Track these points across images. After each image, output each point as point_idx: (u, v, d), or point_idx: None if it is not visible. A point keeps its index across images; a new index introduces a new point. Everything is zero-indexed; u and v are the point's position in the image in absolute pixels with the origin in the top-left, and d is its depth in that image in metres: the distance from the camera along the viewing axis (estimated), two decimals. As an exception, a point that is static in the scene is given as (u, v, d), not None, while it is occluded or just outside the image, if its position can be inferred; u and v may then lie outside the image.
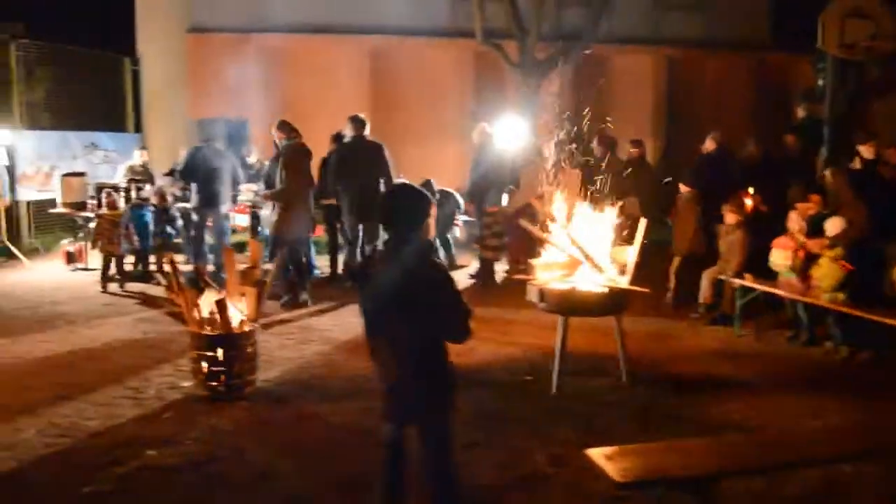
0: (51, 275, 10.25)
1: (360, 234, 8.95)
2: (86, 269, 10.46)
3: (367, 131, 8.95)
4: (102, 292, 9.06)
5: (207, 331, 5.10)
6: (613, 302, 5.29)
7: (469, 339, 3.01)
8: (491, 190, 9.65)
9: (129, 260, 10.11)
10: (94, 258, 10.65)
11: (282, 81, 14.81)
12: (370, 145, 8.89)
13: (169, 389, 5.42)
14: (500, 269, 9.66)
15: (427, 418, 3.16)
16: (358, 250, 8.97)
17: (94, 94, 14.26)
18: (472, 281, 9.47)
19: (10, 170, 11.85)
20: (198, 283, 5.21)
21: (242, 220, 10.94)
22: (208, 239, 9.92)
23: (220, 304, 5.00)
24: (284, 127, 8.78)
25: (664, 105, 16.88)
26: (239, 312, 5.18)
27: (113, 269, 9.37)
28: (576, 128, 10.43)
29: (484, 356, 6.02)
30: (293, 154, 8.49)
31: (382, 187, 8.43)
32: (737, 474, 3.41)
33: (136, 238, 9.49)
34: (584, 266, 5.34)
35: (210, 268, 9.78)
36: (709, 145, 9.01)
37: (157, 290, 8.93)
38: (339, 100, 14.22)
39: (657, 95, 16.87)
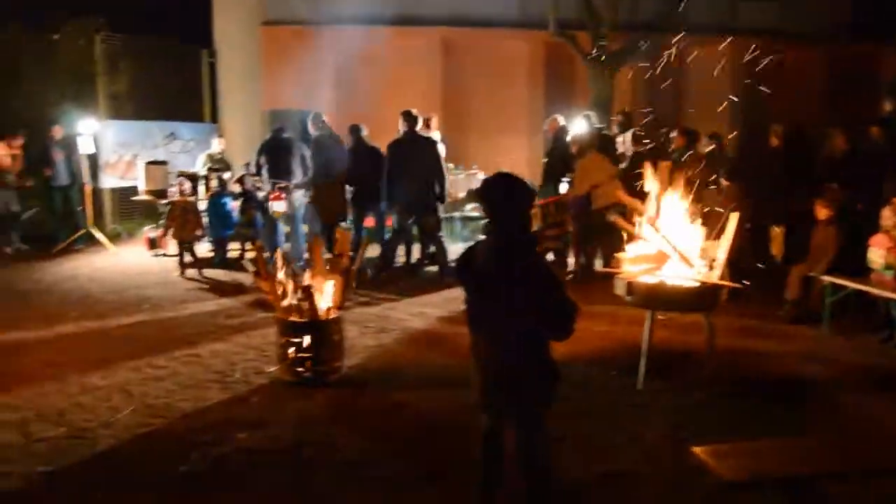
0: (134, 260, 10.57)
1: (409, 227, 9.15)
2: (166, 255, 10.73)
3: (418, 126, 9.18)
4: (180, 276, 9.32)
5: (294, 317, 5.16)
6: (703, 297, 5.17)
7: (569, 336, 2.97)
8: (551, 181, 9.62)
9: (208, 247, 10.40)
10: (175, 244, 10.95)
11: (353, 73, 14.92)
12: (422, 141, 9.08)
13: (255, 374, 5.51)
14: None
15: (526, 411, 3.14)
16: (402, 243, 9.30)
17: (173, 85, 14.61)
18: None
19: (95, 158, 12.22)
20: (283, 268, 5.27)
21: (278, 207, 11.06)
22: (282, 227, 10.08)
23: (308, 291, 5.06)
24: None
25: (741, 97, 16.42)
26: (325, 300, 5.23)
27: (189, 256, 9.63)
28: (653, 120, 10.29)
29: (564, 350, 5.93)
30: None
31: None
32: (848, 475, 3.28)
33: (211, 225, 9.72)
34: (673, 260, 5.23)
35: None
36: (773, 140, 8.79)
37: (238, 276, 9.13)
38: (409, 91, 14.27)
39: (733, 87, 16.43)
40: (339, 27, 14.90)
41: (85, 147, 11.38)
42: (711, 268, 5.23)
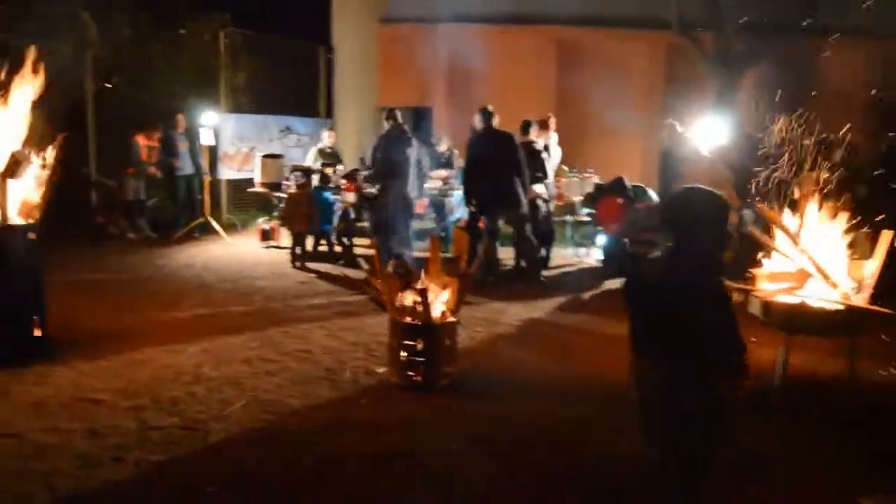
0: (247, 250, 10.78)
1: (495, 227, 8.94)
2: (278, 247, 10.92)
3: (495, 122, 8.93)
4: (293, 268, 9.44)
5: (408, 320, 5.04)
6: (849, 322, 4.73)
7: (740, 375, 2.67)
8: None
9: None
10: (286, 237, 11.12)
11: (466, 71, 14.81)
12: (501, 136, 8.87)
13: (364, 374, 5.42)
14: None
15: (691, 445, 2.82)
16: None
17: (291, 80, 14.87)
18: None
19: (214, 150, 12.57)
20: (399, 269, 5.15)
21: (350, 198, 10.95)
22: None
23: (423, 294, 4.92)
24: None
25: (880, 104, 15.37)
26: (440, 303, 5.09)
27: (301, 249, 9.76)
28: (781, 127, 9.68)
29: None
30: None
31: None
32: None
33: (316, 218, 9.80)
34: (816, 279, 4.81)
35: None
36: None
37: (348, 272, 9.14)
38: (523, 90, 14.06)
39: (867, 90, 15.39)
40: (454, 25, 14.83)
41: (206, 139, 11.72)
42: (860, 290, 4.79)
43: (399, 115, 9.59)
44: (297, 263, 9.62)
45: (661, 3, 13.55)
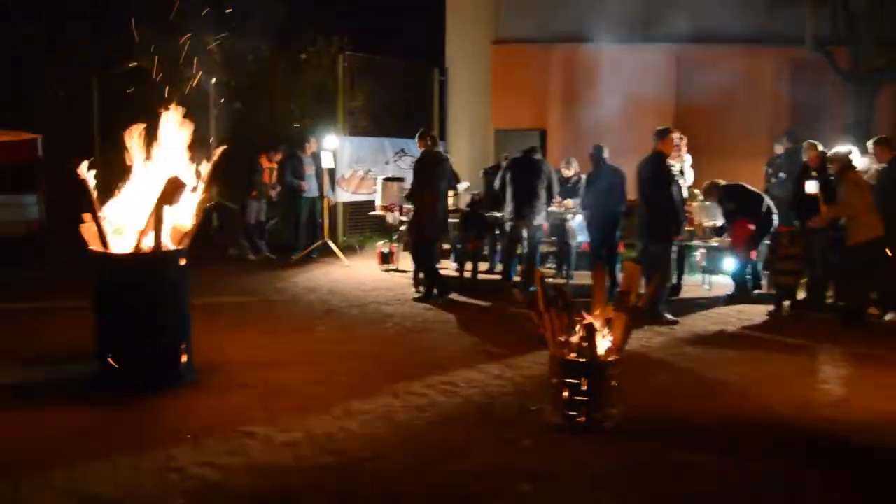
0: (366, 273, 10.70)
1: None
2: (397, 271, 10.78)
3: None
4: (417, 292, 9.26)
5: (571, 356, 4.72)
6: None
7: None
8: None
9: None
10: (405, 260, 11.02)
11: (583, 92, 14.45)
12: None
13: (518, 412, 5.11)
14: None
15: None
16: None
17: (405, 103, 14.87)
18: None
19: (332, 172, 12.62)
20: (558, 301, 4.83)
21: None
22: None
23: (590, 330, 4.59)
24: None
25: None
26: (605, 339, 4.75)
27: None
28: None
29: (862, 414, 5.11)
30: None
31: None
32: None
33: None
34: None
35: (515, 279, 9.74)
36: None
37: (474, 299, 8.89)
38: (641, 110, 13.60)
39: None
40: (569, 45, 14.53)
41: (327, 161, 11.77)
42: None
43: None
44: (422, 289, 9.44)
45: (788, 19, 12.92)
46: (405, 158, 14.28)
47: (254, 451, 4.37)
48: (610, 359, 4.73)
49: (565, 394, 4.69)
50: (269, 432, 4.64)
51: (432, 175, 9.06)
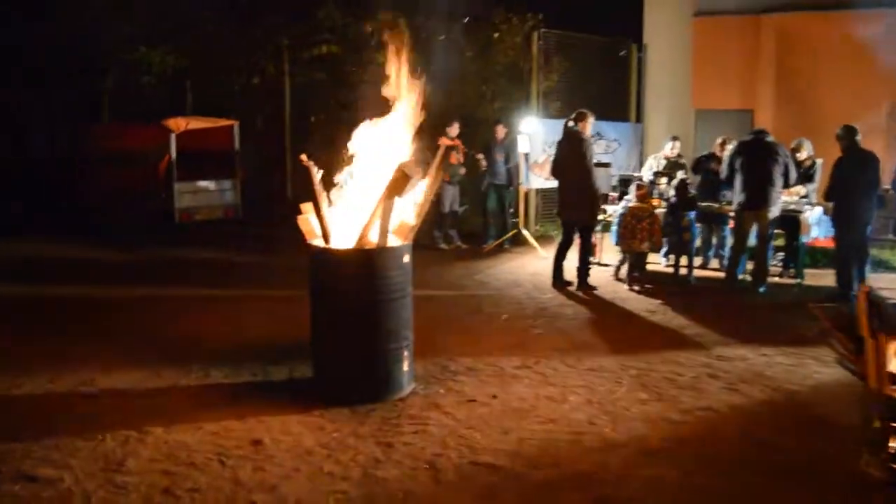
0: (567, 267, 9.78)
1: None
2: (599, 264, 9.89)
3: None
4: (631, 290, 8.40)
5: (900, 394, 3.69)
6: None
7: None
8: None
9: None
10: (611, 252, 10.13)
11: (800, 68, 12.86)
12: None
13: (821, 460, 4.13)
14: None
15: None
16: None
17: (600, 82, 13.86)
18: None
19: (527, 158, 11.88)
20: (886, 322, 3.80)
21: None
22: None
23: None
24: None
25: None
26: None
27: (637, 271, 8.67)
28: None
29: None
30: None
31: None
32: None
33: (659, 236, 8.60)
34: None
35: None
36: None
37: (684, 301, 7.88)
38: (860, 85, 11.89)
39: None
40: (783, 15, 12.95)
41: (523, 146, 11.02)
42: None
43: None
44: (636, 287, 8.52)
45: None
46: (600, 142, 13.29)
47: (504, 495, 3.67)
48: (957, 400, 3.66)
49: (893, 443, 3.67)
50: (513, 466, 3.95)
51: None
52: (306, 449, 4.08)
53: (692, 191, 9.07)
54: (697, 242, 9.60)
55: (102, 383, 5.17)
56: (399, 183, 4.48)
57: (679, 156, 10.61)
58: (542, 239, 11.82)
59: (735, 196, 8.51)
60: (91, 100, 15.46)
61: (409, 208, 4.89)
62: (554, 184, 12.55)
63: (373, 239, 4.68)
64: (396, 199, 4.59)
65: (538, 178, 12.56)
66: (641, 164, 13.55)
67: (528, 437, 4.31)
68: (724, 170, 8.66)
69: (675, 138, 10.83)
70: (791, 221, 9.10)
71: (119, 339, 6.34)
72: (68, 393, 4.98)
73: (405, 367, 4.90)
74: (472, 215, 12.52)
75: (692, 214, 8.91)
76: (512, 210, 11.59)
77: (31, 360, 5.67)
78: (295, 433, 4.29)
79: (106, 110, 15.74)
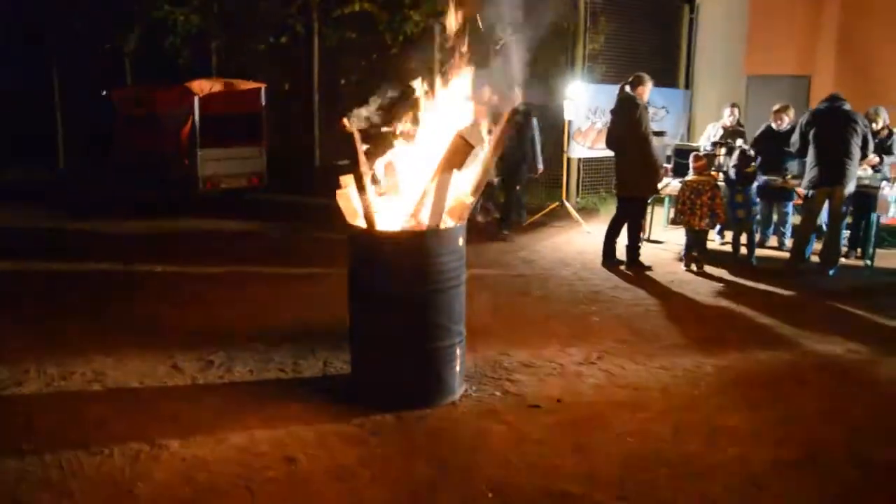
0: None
1: None
2: (648, 241, 9.18)
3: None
4: (688, 271, 7.72)
5: None
6: None
7: None
8: None
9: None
10: (658, 229, 9.45)
11: (858, 30, 11.93)
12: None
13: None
14: None
15: None
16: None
17: (648, 45, 12.99)
18: None
19: (569, 125, 11.14)
20: None
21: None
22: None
23: None
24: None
25: None
26: None
27: (696, 250, 7.95)
28: None
29: None
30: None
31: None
32: None
33: (723, 211, 7.86)
34: None
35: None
36: None
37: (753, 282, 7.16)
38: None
39: None
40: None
41: (569, 112, 10.27)
42: None
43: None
44: (694, 268, 7.82)
45: None
46: (649, 109, 12.47)
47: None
48: None
49: None
50: (592, 494, 3.32)
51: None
52: (348, 469, 3.47)
53: (753, 164, 8.28)
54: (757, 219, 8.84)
55: (114, 378, 4.60)
56: (458, 153, 3.80)
57: (739, 124, 9.82)
58: (584, 211, 11.11)
59: (807, 170, 7.75)
60: (113, 62, 14.84)
61: (466, 183, 4.22)
62: (596, 153, 11.85)
63: (424, 219, 4.01)
64: (457, 171, 3.90)
65: (581, 147, 11.82)
66: (689, 133, 12.76)
67: (605, 455, 3.67)
68: (795, 141, 7.88)
69: (734, 105, 10.03)
70: (863, 198, 8.31)
71: (136, 322, 5.78)
72: (78, 393, 4.40)
73: (457, 366, 4.27)
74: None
75: (752, 189, 8.15)
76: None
77: (41, 347, 5.13)
78: (333, 448, 3.68)
79: (130, 73, 15.13)
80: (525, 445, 3.74)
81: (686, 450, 3.74)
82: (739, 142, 9.14)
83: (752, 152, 8.24)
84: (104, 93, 13.49)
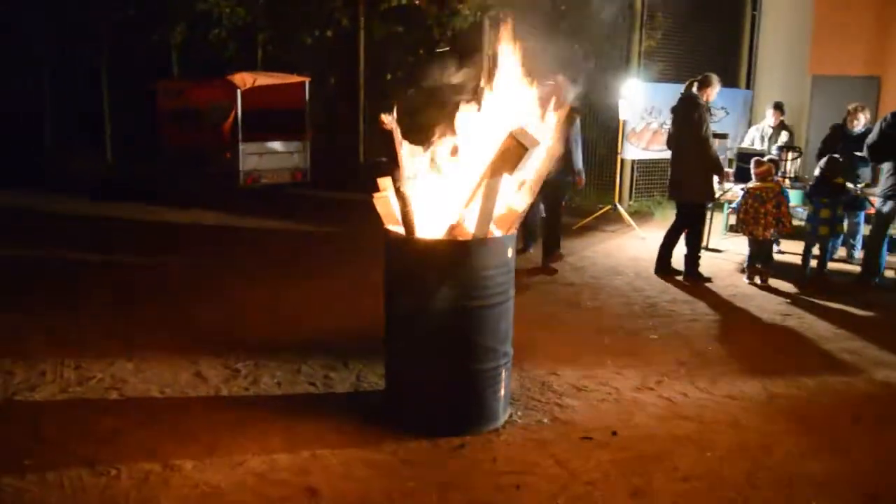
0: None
1: None
2: (707, 249, 8.63)
3: None
4: (751, 283, 7.19)
5: None
6: None
7: None
8: None
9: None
10: (716, 237, 8.92)
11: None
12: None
13: None
14: None
15: None
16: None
17: (707, 42, 12.40)
18: None
19: (624, 126, 10.64)
20: None
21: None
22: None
23: None
24: None
25: None
26: None
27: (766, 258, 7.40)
28: None
29: None
30: None
31: None
32: None
33: (788, 221, 7.29)
34: None
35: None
36: None
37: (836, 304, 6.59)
38: None
39: None
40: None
41: (624, 112, 9.78)
42: None
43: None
44: (758, 280, 7.27)
45: None
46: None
47: None
48: None
49: None
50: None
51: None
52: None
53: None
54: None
55: (134, 386, 4.30)
56: (511, 155, 3.37)
57: (782, 122, 9.25)
58: (637, 216, 10.60)
59: (883, 177, 7.16)
60: (159, 54, 14.73)
61: (517, 189, 3.79)
62: (651, 154, 11.33)
63: (469, 227, 3.60)
64: (509, 175, 3.48)
65: (635, 148, 11.31)
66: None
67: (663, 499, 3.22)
68: (872, 143, 7.25)
69: (776, 106, 9.57)
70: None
71: (164, 323, 5.50)
72: (93, 401, 4.10)
73: (501, 390, 3.85)
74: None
75: (838, 203, 7.54)
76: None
77: (62, 346, 4.88)
78: (361, 479, 3.29)
79: (176, 65, 15.02)
80: (574, 487, 3.31)
81: (761, 500, 3.27)
82: (784, 137, 8.60)
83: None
84: (149, 86, 13.37)
